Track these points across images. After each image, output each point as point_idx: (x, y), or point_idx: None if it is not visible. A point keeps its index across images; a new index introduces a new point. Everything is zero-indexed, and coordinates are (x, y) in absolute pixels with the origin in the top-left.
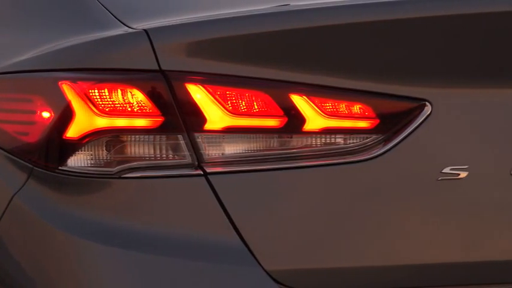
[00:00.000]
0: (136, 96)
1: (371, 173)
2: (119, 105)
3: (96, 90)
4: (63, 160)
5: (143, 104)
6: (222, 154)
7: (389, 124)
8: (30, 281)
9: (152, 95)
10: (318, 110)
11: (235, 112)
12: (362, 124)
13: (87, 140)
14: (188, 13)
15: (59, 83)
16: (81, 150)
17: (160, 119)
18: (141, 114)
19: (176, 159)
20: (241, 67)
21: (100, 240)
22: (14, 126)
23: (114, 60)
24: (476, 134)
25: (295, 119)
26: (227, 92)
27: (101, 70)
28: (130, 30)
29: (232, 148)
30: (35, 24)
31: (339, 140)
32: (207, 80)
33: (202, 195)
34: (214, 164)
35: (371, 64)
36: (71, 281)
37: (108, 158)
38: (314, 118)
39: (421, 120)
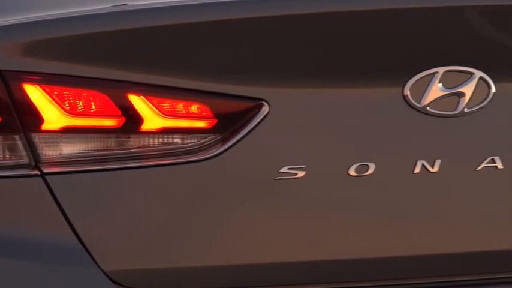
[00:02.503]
0: None
1: (209, 172)
2: None
3: None
4: None
5: None
6: (60, 154)
7: (227, 124)
8: None
9: None
10: (155, 109)
11: (72, 112)
12: (200, 124)
13: None
14: (25, 13)
15: None
16: None
17: None
18: None
19: (13, 160)
20: (79, 67)
21: None
22: None
23: None
24: (313, 134)
25: (133, 119)
26: (64, 92)
27: None
28: None
29: (70, 148)
30: None
31: (177, 139)
32: (44, 80)
33: (39, 196)
34: (52, 164)
35: (209, 64)
36: None
37: None
38: (152, 118)
39: (258, 120)
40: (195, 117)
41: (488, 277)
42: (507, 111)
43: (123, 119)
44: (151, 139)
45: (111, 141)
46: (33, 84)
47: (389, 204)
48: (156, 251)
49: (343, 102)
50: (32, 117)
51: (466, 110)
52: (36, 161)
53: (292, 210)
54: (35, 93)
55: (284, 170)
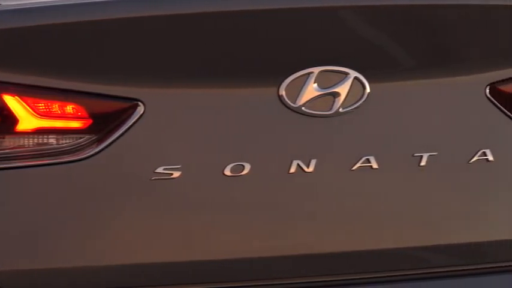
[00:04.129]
0: None
1: (85, 173)
2: None
3: None
4: None
5: None
6: None
7: (102, 124)
8: None
9: None
10: (30, 110)
11: None
12: (75, 124)
13: None
14: None
15: None
16: None
17: None
18: None
19: None
20: None
21: None
22: None
23: None
24: (189, 134)
25: (7, 119)
26: None
27: None
28: None
29: None
30: None
31: (52, 140)
32: None
33: None
34: None
35: (84, 64)
36: None
37: None
38: (26, 118)
39: (133, 121)
40: (70, 118)
41: (362, 276)
42: (381, 111)
43: None
44: (27, 139)
45: None
46: None
47: (265, 204)
48: (33, 252)
49: (219, 102)
50: None
51: (341, 110)
52: None
53: (168, 210)
54: None
55: (160, 170)
